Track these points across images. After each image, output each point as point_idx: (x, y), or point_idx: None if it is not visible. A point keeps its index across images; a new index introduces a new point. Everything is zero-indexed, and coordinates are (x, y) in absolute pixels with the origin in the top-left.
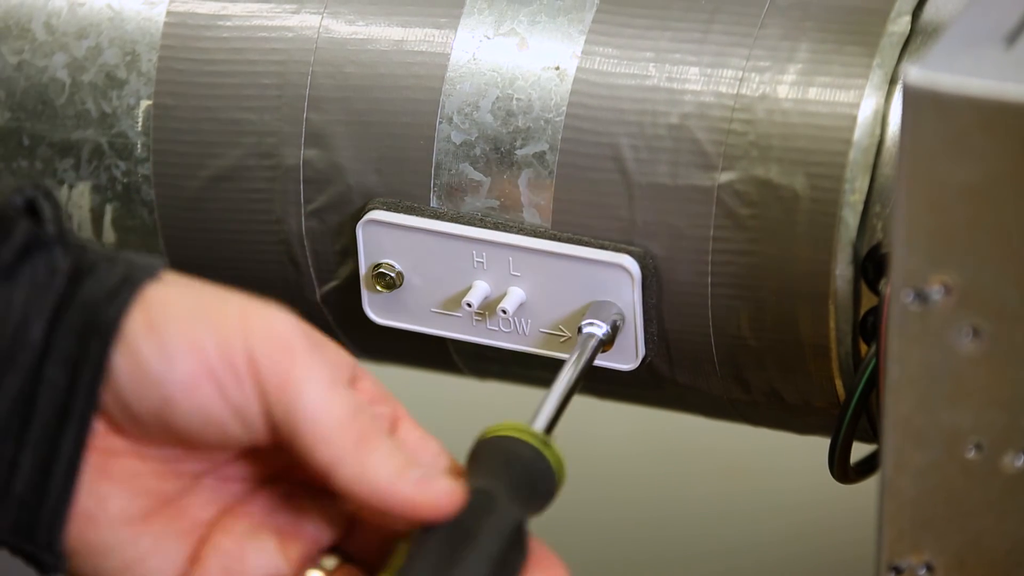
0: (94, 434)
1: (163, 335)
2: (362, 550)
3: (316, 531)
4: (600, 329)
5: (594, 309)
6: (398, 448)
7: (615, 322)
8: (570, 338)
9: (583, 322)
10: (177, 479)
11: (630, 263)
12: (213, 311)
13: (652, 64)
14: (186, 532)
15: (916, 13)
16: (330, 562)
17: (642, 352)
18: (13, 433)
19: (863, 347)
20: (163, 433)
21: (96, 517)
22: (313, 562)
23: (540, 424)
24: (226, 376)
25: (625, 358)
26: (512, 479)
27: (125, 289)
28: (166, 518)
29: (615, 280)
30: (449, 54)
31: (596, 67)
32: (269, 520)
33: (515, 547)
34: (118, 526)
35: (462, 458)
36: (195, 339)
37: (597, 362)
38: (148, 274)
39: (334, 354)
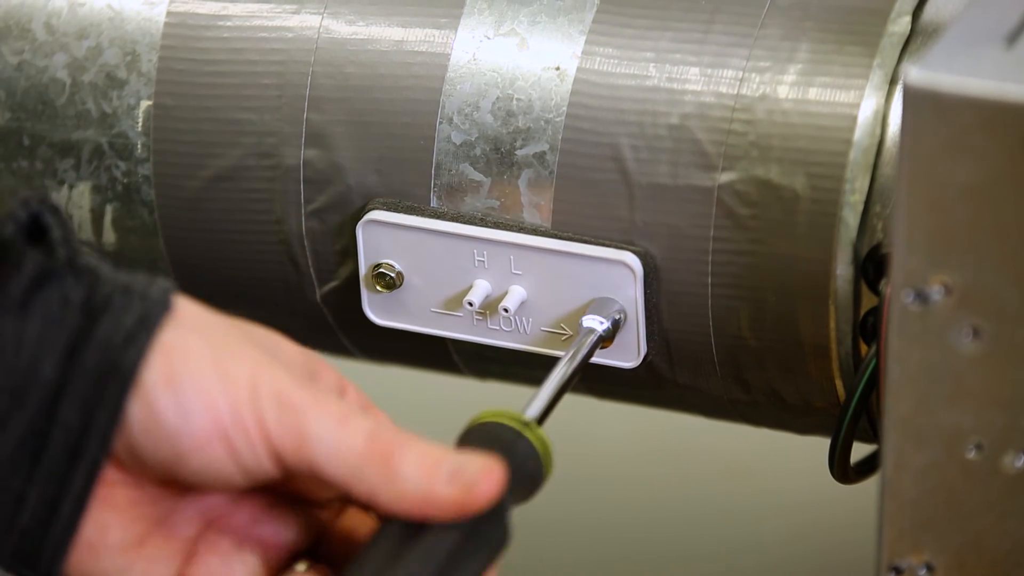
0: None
1: (180, 391)
2: (331, 551)
3: (294, 539)
4: (600, 325)
5: (596, 305)
6: (422, 452)
7: (616, 319)
8: (572, 336)
9: (584, 317)
10: (165, 501)
11: (632, 260)
12: (225, 369)
13: (652, 64)
14: (175, 552)
15: (916, 13)
16: (302, 566)
17: (644, 350)
18: (23, 469)
19: (863, 347)
20: (165, 478)
21: (97, 546)
22: (287, 567)
23: (532, 413)
24: (238, 438)
25: (627, 355)
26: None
27: (142, 333)
28: (158, 540)
29: (617, 277)
30: (449, 54)
31: (596, 67)
32: (251, 533)
33: (497, 532)
34: (116, 553)
35: None
36: (210, 398)
37: (599, 360)
38: (163, 310)
39: (326, 376)
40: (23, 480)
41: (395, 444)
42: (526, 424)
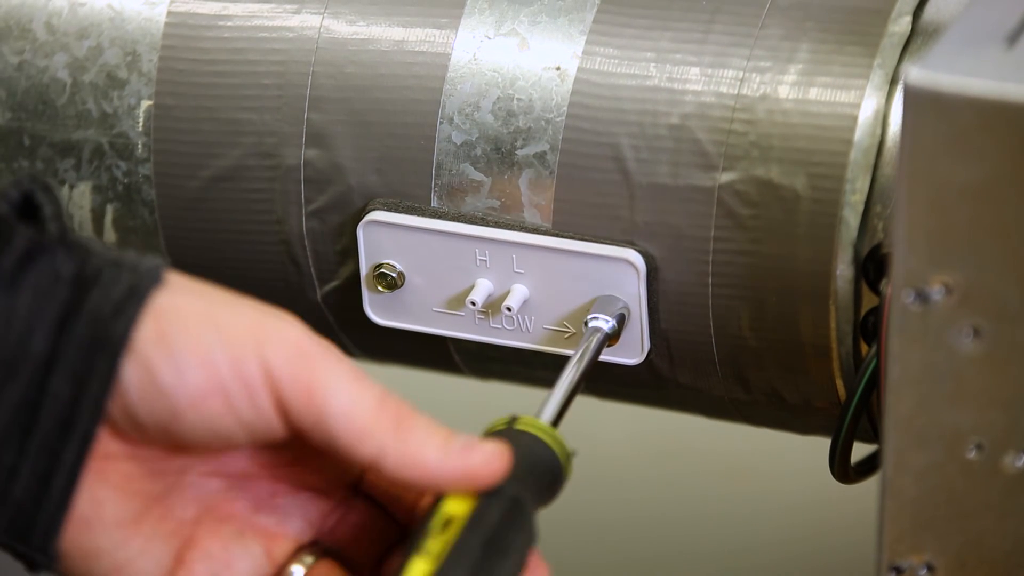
0: (95, 441)
1: (174, 347)
2: (338, 541)
3: (298, 529)
4: (606, 323)
5: (599, 304)
6: (434, 423)
7: (621, 315)
8: (575, 334)
9: (588, 316)
10: (164, 477)
11: (635, 257)
12: (224, 323)
13: (653, 64)
14: (172, 533)
15: (917, 13)
16: (309, 558)
17: (647, 346)
18: (14, 442)
19: (864, 347)
20: (165, 441)
21: (91, 521)
22: (294, 558)
23: (546, 417)
24: (237, 391)
25: (630, 353)
26: (523, 473)
27: (133, 302)
28: (154, 519)
29: (620, 275)
30: (450, 54)
31: (597, 67)
32: (253, 521)
33: (525, 534)
34: (112, 529)
35: None
36: (206, 352)
37: (602, 357)
38: (154, 281)
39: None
40: (15, 453)
41: (408, 410)
42: (551, 434)
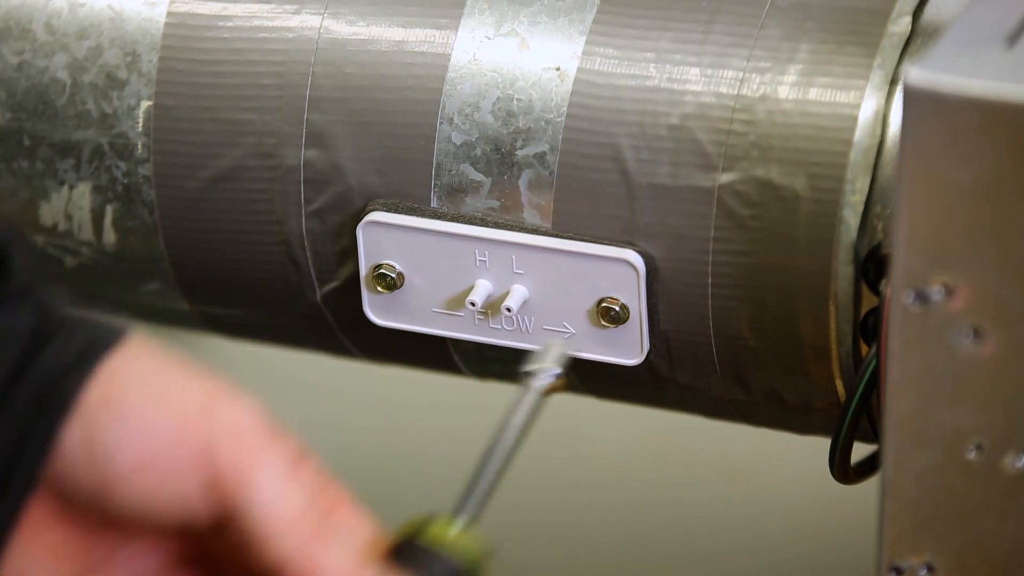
0: (27, 507)
1: (117, 412)
2: None
3: None
4: (546, 378)
5: (539, 355)
6: (353, 544)
7: (564, 363)
8: (575, 335)
9: (524, 369)
10: (98, 549)
11: (635, 258)
12: (175, 392)
13: (653, 65)
14: None
15: (917, 13)
16: None
17: (646, 347)
18: None
19: (864, 347)
20: (96, 509)
21: None
22: None
23: (467, 512)
24: (174, 465)
25: (630, 353)
26: None
27: (84, 363)
28: None
29: (620, 275)
30: (450, 55)
31: (597, 68)
32: None
33: None
34: None
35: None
36: (150, 421)
37: (602, 357)
38: (109, 344)
39: (287, 438)
40: None
41: (331, 525)
42: (451, 542)
